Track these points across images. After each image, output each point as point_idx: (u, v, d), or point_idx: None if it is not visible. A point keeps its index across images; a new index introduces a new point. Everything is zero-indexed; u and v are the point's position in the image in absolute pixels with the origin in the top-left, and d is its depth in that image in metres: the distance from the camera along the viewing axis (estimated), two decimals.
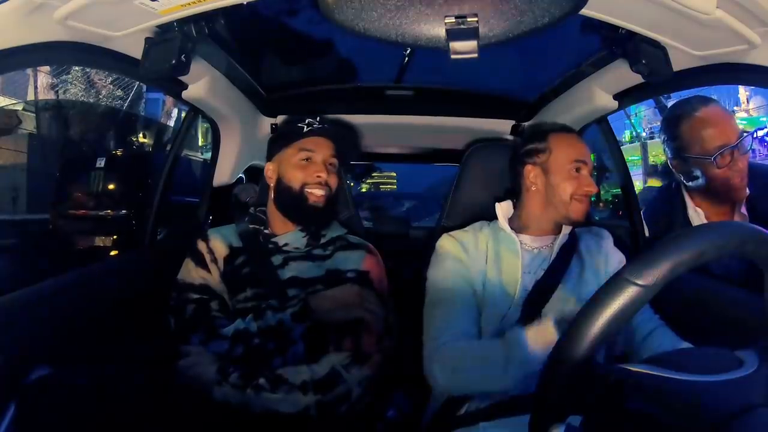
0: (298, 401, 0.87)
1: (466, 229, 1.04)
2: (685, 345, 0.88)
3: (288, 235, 1.06)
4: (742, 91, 17.42)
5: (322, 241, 1.07)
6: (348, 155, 1.17)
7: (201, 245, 1.03)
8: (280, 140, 1.10)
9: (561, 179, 0.97)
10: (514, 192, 1.06)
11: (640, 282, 0.40)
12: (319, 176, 1.03)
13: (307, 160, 1.05)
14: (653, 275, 0.40)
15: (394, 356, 1.01)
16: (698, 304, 1.00)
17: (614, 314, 0.40)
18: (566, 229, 0.99)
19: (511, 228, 1.00)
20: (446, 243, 1.00)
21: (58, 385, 0.77)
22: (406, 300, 1.03)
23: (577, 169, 0.98)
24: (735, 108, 17.59)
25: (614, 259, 1.01)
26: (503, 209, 1.03)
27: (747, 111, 17.52)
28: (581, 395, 0.43)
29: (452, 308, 0.93)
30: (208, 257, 1.02)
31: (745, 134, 1.07)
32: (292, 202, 1.04)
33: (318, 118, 1.09)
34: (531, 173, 1.01)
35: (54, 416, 0.74)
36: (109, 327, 1.00)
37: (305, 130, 1.06)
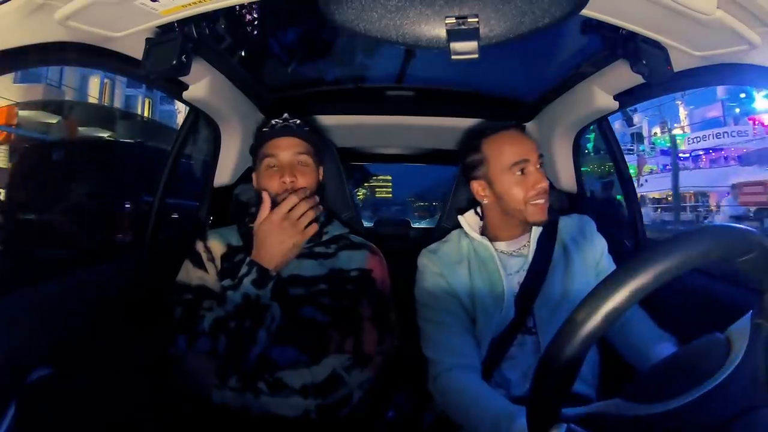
0: (298, 405, 0.86)
1: (445, 239, 1.05)
2: (661, 333, 0.90)
3: None
4: (682, 111, 19.99)
5: (324, 238, 1.06)
6: (323, 147, 1.12)
7: (199, 246, 1.03)
8: (252, 150, 1.08)
9: (507, 187, 0.95)
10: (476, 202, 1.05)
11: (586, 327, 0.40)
12: (284, 182, 0.99)
13: (272, 167, 1.01)
14: (595, 319, 0.40)
15: (394, 356, 1.01)
16: (688, 299, 1.01)
17: (569, 357, 0.41)
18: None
19: (485, 235, 1.00)
20: (426, 261, 1.01)
21: (59, 386, 0.77)
22: (407, 300, 1.03)
23: (522, 171, 0.94)
24: (675, 125, 20.23)
25: (599, 245, 1.01)
26: (468, 220, 1.03)
27: (682, 128, 19.98)
28: None
29: (445, 327, 0.94)
30: (204, 256, 1.01)
31: None
32: None
33: (285, 115, 1.04)
34: (478, 188, 0.99)
35: (54, 416, 0.74)
36: (109, 327, 1.00)
37: (266, 134, 1.02)
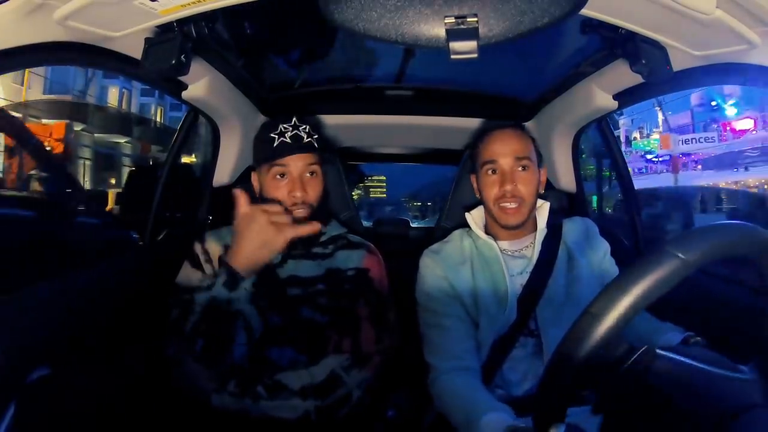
0: (297, 407, 0.86)
1: (447, 239, 1.04)
2: (668, 324, 0.90)
3: (303, 246, 1.03)
4: (660, 116, 21.11)
5: (322, 239, 1.06)
6: (330, 155, 1.13)
7: (197, 247, 1.02)
8: (255, 152, 1.04)
9: (482, 184, 0.98)
10: None
11: (682, 255, 0.40)
12: (294, 195, 0.97)
13: (281, 176, 0.98)
14: (696, 251, 0.40)
15: (394, 356, 1.01)
16: (701, 304, 1.00)
17: (649, 286, 0.40)
18: (542, 223, 0.99)
19: (489, 234, 1.00)
20: (429, 261, 1.00)
21: (58, 386, 0.77)
22: (406, 300, 1.03)
23: (492, 171, 0.96)
24: (654, 129, 21.33)
25: (602, 247, 1.01)
26: (474, 217, 1.03)
27: (660, 133, 20.88)
28: (602, 369, 0.43)
29: (445, 331, 0.93)
30: (202, 258, 1.00)
31: None
32: None
33: (293, 120, 1.00)
34: (473, 182, 1.04)
35: (54, 416, 0.74)
36: (109, 328, 1.00)
37: (275, 143, 0.98)
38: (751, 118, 17.13)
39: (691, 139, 18.96)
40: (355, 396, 0.90)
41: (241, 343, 0.91)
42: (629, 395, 0.43)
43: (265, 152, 1.00)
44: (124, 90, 15.50)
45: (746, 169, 14.12)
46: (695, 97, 18.88)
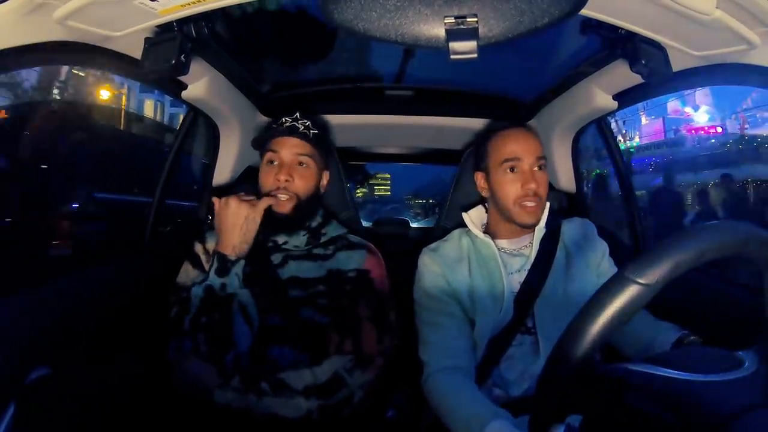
0: (300, 406, 0.86)
1: (447, 238, 1.05)
2: (666, 323, 0.89)
3: (288, 233, 1.05)
4: (644, 120, 23.25)
5: (322, 240, 1.06)
6: (329, 150, 1.14)
7: (198, 247, 1.02)
8: (258, 143, 1.08)
9: (498, 182, 0.97)
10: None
11: (641, 281, 0.40)
12: (278, 179, 0.99)
13: (271, 162, 1.02)
14: (655, 274, 0.40)
15: (394, 356, 1.01)
16: (698, 303, 1.01)
17: (615, 313, 0.40)
18: (541, 223, 0.98)
19: (488, 233, 1.00)
20: (427, 260, 1.00)
21: (58, 386, 0.77)
22: (406, 300, 1.03)
23: (512, 169, 0.95)
24: (636, 133, 23.00)
25: (600, 248, 1.01)
26: (472, 217, 1.04)
27: (641, 138, 22.78)
28: (582, 394, 0.43)
29: (441, 329, 0.93)
30: (204, 258, 1.01)
31: None
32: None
33: (296, 114, 1.05)
34: (480, 179, 1.02)
35: (54, 416, 0.73)
36: (109, 327, 1.00)
37: (271, 132, 1.02)
38: (720, 126, 19.65)
39: (663, 144, 20.94)
40: (357, 397, 0.90)
41: (245, 334, 0.92)
42: (612, 419, 0.42)
43: (263, 138, 1.04)
44: (158, 102, 17.30)
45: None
46: (670, 107, 21.72)
